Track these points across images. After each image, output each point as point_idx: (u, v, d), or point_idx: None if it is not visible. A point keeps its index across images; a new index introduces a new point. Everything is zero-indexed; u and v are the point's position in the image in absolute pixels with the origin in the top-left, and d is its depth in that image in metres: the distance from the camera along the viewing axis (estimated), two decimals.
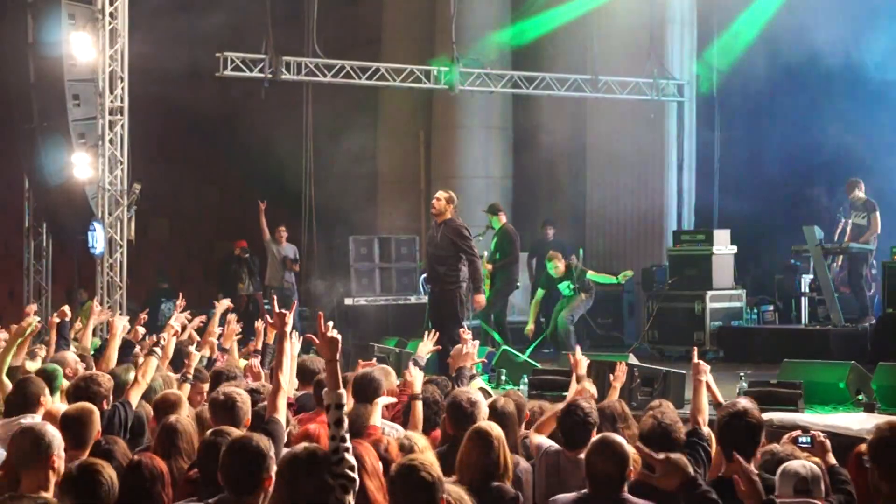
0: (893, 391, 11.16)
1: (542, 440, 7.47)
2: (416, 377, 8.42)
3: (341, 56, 19.75)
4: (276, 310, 6.64)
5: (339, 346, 5.73)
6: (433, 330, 10.48)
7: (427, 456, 5.99)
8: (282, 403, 6.55)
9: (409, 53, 21.55)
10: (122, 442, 6.96)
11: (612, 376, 9.37)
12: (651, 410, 7.38)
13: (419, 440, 6.89)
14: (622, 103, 20.90)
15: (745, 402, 6.64)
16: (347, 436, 5.33)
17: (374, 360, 11.45)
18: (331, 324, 5.94)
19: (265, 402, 6.92)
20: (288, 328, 6.48)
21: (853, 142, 17.82)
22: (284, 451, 5.84)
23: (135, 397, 7.94)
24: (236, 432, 5.99)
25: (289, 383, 6.78)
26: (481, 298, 13.92)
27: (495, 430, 6.59)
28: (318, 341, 5.79)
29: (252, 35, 18.92)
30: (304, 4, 19.36)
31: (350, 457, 5.27)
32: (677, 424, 7.11)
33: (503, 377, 13.90)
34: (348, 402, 7.38)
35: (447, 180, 22.29)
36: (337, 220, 21.56)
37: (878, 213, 16.67)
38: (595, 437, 6.36)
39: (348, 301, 20.35)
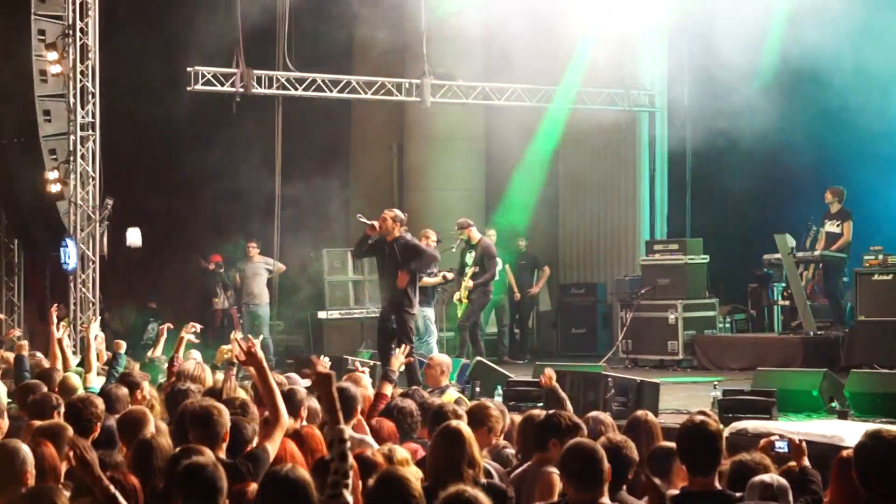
0: (866, 398, 11.23)
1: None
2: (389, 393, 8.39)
3: (313, 69, 19.73)
4: (236, 338, 6.48)
5: (333, 381, 5.59)
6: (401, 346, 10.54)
7: (411, 470, 5.91)
8: (278, 436, 6.46)
9: (380, 66, 21.52)
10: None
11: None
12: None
13: (399, 452, 6.80)
14: (594, 113, 20.92)
15: (701, 416, 6.59)
16: (350, 472, 5.24)
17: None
18: (326, 360, 5.82)
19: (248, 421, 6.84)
20: (260, 354, 6.33)
21: (825, 150, 17.89)
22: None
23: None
24: (206, 451, 5.91)
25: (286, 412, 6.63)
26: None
27: (463, 426, 6.51)
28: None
29: (223, 49, 18.89)
30: (275, 18, 19.34)
31: (348, 494, 5.18)
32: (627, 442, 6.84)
33: (477, 388, 13.89)
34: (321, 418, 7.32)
35: (420, 192, 22.29)
36: (310, 233, 21.49)
37: (850, 223, 16.70)
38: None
39: (322, 314, 20.29)
